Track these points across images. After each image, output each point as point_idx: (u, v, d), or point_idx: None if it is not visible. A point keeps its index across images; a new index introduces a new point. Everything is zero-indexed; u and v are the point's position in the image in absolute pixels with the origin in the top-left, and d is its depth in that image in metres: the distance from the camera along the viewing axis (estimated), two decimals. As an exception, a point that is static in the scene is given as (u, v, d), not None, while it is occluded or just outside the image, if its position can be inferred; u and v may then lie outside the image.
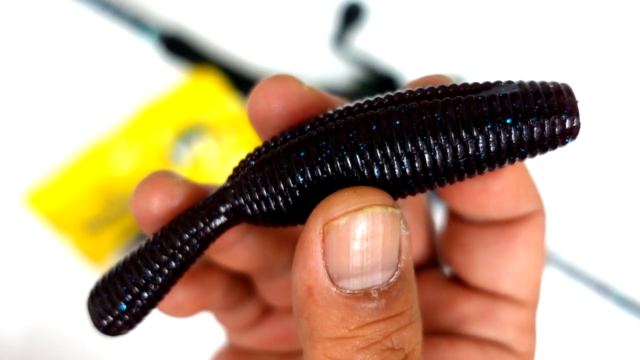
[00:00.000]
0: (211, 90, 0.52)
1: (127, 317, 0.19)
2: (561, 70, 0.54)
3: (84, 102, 0.53)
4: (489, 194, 0.21)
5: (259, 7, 0.55)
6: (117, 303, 0.18)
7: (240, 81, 0.53)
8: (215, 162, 0.52)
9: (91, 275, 0.52)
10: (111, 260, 0.52)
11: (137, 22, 0.53)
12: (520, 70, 0.54)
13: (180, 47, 0.53)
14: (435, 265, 0.26)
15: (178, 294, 0.22)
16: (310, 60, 0.55)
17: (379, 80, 0.53)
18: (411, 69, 0.54)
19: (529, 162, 0.19)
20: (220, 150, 0.52)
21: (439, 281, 0.24)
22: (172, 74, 0.53)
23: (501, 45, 0.55)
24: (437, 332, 0.23)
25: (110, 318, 0.19)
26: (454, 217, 0.23)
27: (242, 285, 0.24)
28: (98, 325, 0.19)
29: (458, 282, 0.24)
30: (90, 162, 0.51)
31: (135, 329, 0.19)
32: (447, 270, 0.25)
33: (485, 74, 0.54)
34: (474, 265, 0.22)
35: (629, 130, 0.53)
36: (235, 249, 0.22)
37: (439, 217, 0.26)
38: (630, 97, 0.54)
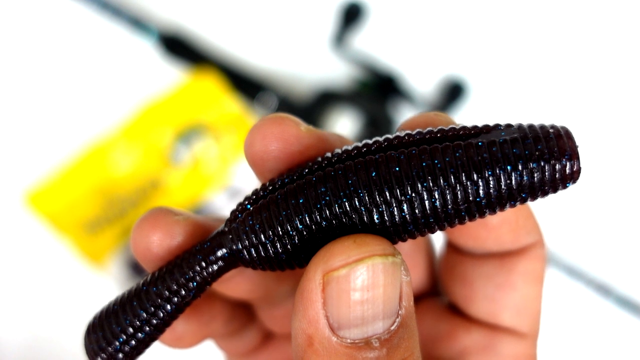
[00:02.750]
0: (211, 90, 0.52)
1: (120, 356, 0.19)
2: (558, 69, 0.54)
3: (83, 102, 0.54)
4: (487, 227, 0.21)
5: (259, 7, 0.55)
6: (112, 342, 0.18)
7: (240, 81, 0.53)
8: (214, 162, 0.53)
9: (91, 275, 0.52)
10: (111, 260, 0.52)
11: (137, 22, 0.53)
12: (519, 70, 0.54)
13: (179, 47, 0.53)
14: (436, 293, 0.26)
15: (179, 326, 0.21)
16: (310, 60, 0.55)
17: (379, 80, 0.53)
18: (411, 69, 0.54)
19: None
20: (219, 150, 0.53)
21: (439, 311, 0.24)
22: (172, 74, 0.53)
23: (500, 45, 0.55)
24: None
25: (104, 356, 0.19)
26: (453, 249, 0.23)
27: (242, 313, 0.24)
28: None
29: (458, 312, 0.24)
30: (90, 163, 0.52)
31: None
32: (446, 299, 0.25)
33: (485, 73, 0.54)
34: (474, 298, 0.22)
35: (628, 132, 0.53)
36: (236, 280, 0.22)
37: (438, 244, 0.26)
38: (629, 99, 0.54)
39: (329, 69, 0.54)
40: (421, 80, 0.54)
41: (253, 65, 0.54)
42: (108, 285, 0.52)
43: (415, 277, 0.25)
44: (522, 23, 0.55)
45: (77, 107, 0.54)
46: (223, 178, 0.53)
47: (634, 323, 0.51)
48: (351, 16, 0.54)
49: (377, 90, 0.53)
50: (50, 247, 0.52)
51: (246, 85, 0.53)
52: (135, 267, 0.51)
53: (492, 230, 0.21)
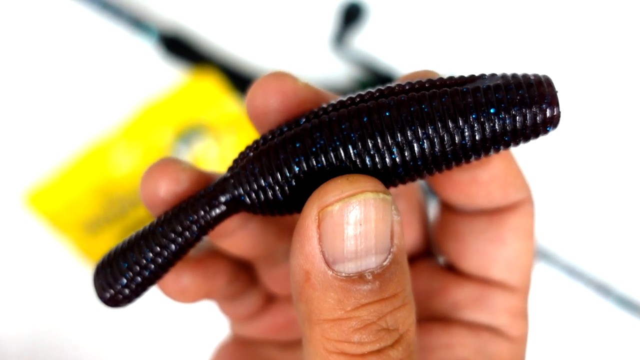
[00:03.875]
0: (211, 90, 0.52)
1: (127, 291, 0.20)
2: (560, 69, 0.54)
3: (83, 102, 0.54)
4: (478, 183, 0.21)
5: (259, 7, 0.55)
6: (119, 278, 0.20)
7: (240, 81, 0.53)
8: (215, 162, 0.53)
9: (91, 276, 0.52)
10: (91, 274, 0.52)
11: (137, 22, 0.53)
12: (519, 68, 0.54)
13: (180, 47, 0.53)
14: (430, 255, 0.27)
15: (183, 279, 0.22)
16: (310, 60, 0.55)
17: (379, 80, 0.53)
18: (411, 69, 0.54)
19: (523, 156, 0.19)
20: (220, 150, 0.53)
21: (433, 270, 0.25)
22: (172, 74, 0.54)
23: (501, 45, 0.55)
24: (432, 318, 0.24)
25: (112, 291, 0.20)
26: (446, 208, 0.24)
27: (245, 274, 0.25)
28: (101, 296, 0.20)
29: (451, 270, 0.25)
30: (90, 163, 0.52)
31: (133, 302, 0.20)
32: (441, 260, 0.26)
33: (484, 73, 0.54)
34: (466, 253, 0.23)
35: (629, 131, 0.54)
36: (238, 236, 0.23)
37: (432, 210, 0.26)
38: (631, 98, 0.54)
39: (329, 69, 0.55)
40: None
41: (253, 65, 0.54)
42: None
43: (409, 238, 0.26)
44: (522, 22, 0.55)
45: (77, 107, 0.54)
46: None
47: (634, 323, 0.51)
48: (351, 16, 0.54)
49: (377, 90, 0.53)
50: (50, 247, 0.52)
51: (246, 85, 0.53)
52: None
53: (482, 186, 0.21)
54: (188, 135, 0.53)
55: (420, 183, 0.28)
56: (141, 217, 0.53)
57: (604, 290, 0.51)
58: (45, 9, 0.55)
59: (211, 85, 0.53)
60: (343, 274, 0.17)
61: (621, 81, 0.54)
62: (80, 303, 0.52)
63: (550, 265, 0.51)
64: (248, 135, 0.53)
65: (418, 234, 0.26)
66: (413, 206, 0.25)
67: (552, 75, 0.18)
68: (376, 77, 0.54)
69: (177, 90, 0.53)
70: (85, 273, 0.52)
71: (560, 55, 0.55)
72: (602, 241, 0.53)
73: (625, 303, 0.51)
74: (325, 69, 0.55)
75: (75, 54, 0.55)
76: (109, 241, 0.52)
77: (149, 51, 0.54)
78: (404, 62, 0.54)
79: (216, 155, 0.53)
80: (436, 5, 0.55)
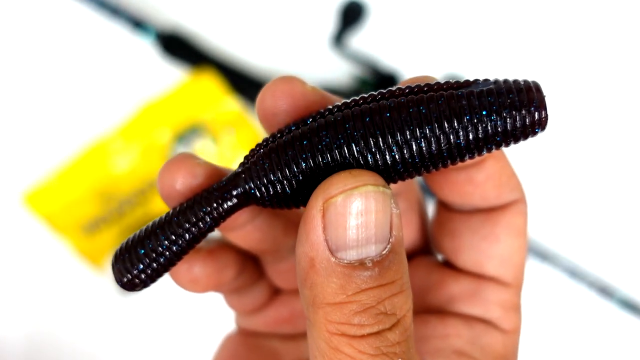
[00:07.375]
0: (209, 89, 0.53)
1: (143, 276, 0.21)
2: (556, 70, 0.54)
3: (82, 102, 0.54)
4: (473, 183, 0.23)
5: (258, 6, 0.56)
6: (136, 264, 0.21)
7: (239, 80, 0.54)
8: (213, 161, 0.53)
9: (89, 276, 0.52)
10: (110, 260, 0.52)
11: (135, 22, 0.54)
12: (517, 69, 0.55)
13: (178, 47, 0.54)
14: (428, 252, 0.28)
15: (195, 268, 0.24)
16: (310, 60, 0.55)
17: (379, 80, 0.54)
18: (411, 68, 0.54)
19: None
20: (218, 149, 0.53)
21: (431, 266, 0.27)
22: (171, 74, 0.54)
23: (500, 45, 0.55)
24: (428, 310, 0.26)
25: (129, 276, 0.21)
26: (443, 207, 0.26)
27: (252, 268, 0.27)
28: (119, 280, 0.22)
29: (448, 266, 0.26)
30: (88, 162, 0.52)
31: (149, 287, 0.22)
32: (439, 257, 0.28)
33: (484, 73, 0.54)
34: (462, 250, 0.25)
35: (630, 132, 0.54)
36: (247, 229, 0.24)
37: (430, 209, 0.28)
38: (630, 99, 0.54)
39: (329, 69, 0.55)
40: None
41: (252, 65, 0.54)
42: (106, 286, 0.52)
43: (408, 235, 0.28)
44: (523, 22, 0.55)
45: (75, 107, 0.55)
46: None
47: (637, 325, 0.51)
48: (351, 15, 0.55)
49: (378, 89, 0.53)
50: (48, 247, 0.53)
51: (246, 85, 0.53)
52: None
53: (477, 186, 0.23)
54: (186, 134, 0.53)
55: (419, 182, 0.29)
56: (139, 217, 0.53)
57: (606, 292, 0.51)
58: (45, 8, 0.55)
59: (210, 85, 0.53)
60: (345, 261, 0.18)
61: (620, 83, 0.54)
62: (78, 303, 0.53)
63: (553, 267, 0.51)
64: (246, 134, 0.53)
65: (417, 232, 0.28)
66: (412, 205, 0.27)
67: (543, 80, 0.20)
68: (376, 76, 0.54)
69: (176, 90, 0.54)
70: (84, 273, 0.52)
71: (558, 49, 0.55)
72: (604, 243, 0.53)
73: (628, 305, 0.52)
74: (325, 68, 0.55)
75: (73, 53, 0.55)
76: (107, 242, 0.53)
77: (147, 50, 0.54)
78: (404, 61, 0.55)
79: (214, 154, 0.53)
80: (436, 5, 0.56)
